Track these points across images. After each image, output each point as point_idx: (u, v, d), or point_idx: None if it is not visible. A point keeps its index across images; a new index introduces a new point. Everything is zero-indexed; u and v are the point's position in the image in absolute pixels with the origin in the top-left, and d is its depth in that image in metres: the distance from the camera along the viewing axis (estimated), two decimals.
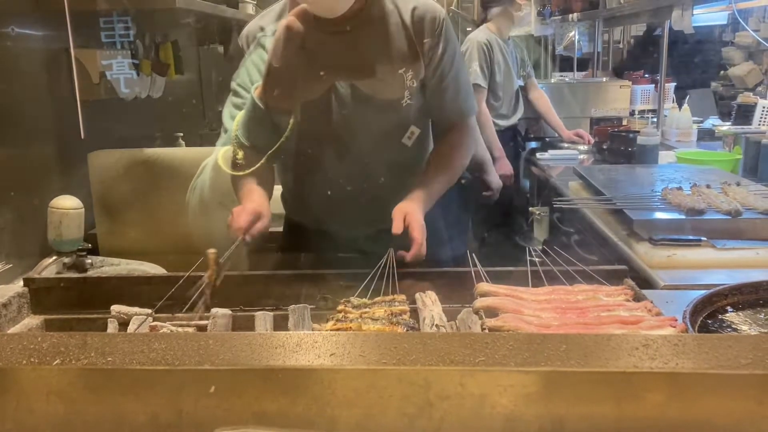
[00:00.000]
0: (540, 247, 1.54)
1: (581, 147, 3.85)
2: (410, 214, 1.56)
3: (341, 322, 1.16)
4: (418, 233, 1.52)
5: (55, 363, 0.83)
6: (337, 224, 1.81)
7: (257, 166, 1.62)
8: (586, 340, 0.83)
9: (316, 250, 1.77)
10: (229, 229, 1.50)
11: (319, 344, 0.84)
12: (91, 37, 2.39)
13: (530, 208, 3.61)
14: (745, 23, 3.03)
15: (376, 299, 1.30)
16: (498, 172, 3.70)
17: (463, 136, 1.79)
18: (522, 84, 4.05)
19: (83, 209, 1.92)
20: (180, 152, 2.49)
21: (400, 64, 1.64)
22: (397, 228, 1.54)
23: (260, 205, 1.55)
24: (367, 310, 1.23)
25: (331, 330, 1.12)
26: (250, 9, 3.46)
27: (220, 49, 3.93)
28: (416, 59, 1.65)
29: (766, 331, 1.24)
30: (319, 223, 1.83)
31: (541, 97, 4.16)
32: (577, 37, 5.68)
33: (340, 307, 1.25)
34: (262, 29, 1.68)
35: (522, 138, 4.32)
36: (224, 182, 2.07)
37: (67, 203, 1.88)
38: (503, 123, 3.85)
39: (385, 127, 1.71)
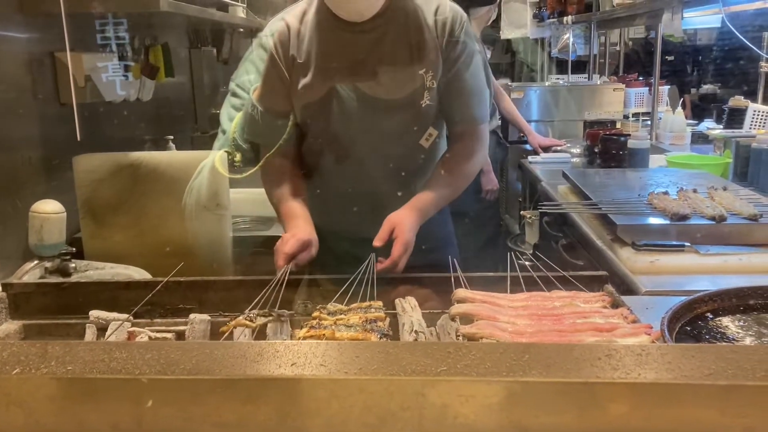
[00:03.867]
0: (530, 252, 1.53)
1: (574, 150, 3.84)
2: (399, 226, 1.55)
3: (315, 329, 1.16)
4: (399, 249, 1.51)
5: (14, 372, 0.82)
6: (348, 229, 1.79)
7: (254, 170, 1.62)
8: (548, 350, 0.82)
9: (324, 255, 1.74)
10: (275, 254, 1.51)
11: (280, 353, 0.83)
12: (77, 40, 2.38)
13: (522, 212, 3.61)
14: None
15: (353, 305, 1.29)
16: (484, 187, 3.71)
17: (474, 144, 1.75)
18: None
19: (65, 214, 1.92)
20: (166, 156, 2.49)
21: (420, 64, 1.63)
22: (380, 239, 1.53)
23: (310, 234, 1.57)
24: (342, 316, 1.22)
25: (304, 337, 1.12)
26: (240, 12, 3.46)
27: (213, 51, 3.93)
28: (437, 59, 1.64)
29: (746, 338, 1.23)
30: (331, 227, 1.79)
31: (505, 98, 4.14)
32: (571, 39, 5.68)
33: (315, 314, 1.24)
34: (288, 26, 1.64)
35: (502, 142, 4.33)
36: (213, 185, 2.07)
37: (48, 208, 1.87)
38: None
39: (404, 128, 1.70)
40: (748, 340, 1.22)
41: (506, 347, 0.83)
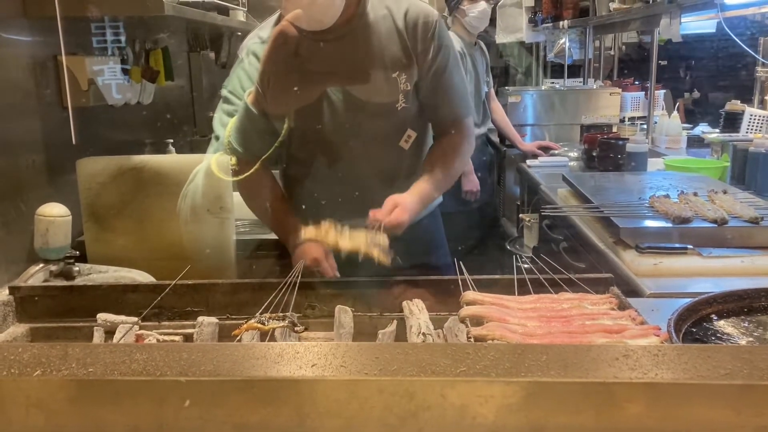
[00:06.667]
0: (529, 255, 1.54)
1: (571, 154, 3.86)
2: (402, 205, 1.56)
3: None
4: (399, 214, 1.53)
5: (35, 374, 0.83)
6: None
7: (251, 171, 1.63)
8: (566, 351, 0.83)
9: None
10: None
11: (300, 355, 0.84)
12: (80, 43, 2.38)
13: (520, 215, 3.62)
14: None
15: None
16: (464, 188, 3.71)
17: (460, 138, 1.78)
18: (486, 90, 4.02)
19: (70, 217, 1.91)
20: (169, 159, 2.49)
21: (393, 68, 1.65)
22: (383, 213, 1.53)
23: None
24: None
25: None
26: (241, 16, 3.46)
27: (212, 55, 3.93)
28: (410, 62, 1.66)
29: (750, 339, 1.24)
30: None
31: (498, 109, 4.15)
32: (567, 44, 5.70)
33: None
34: (261, 40, 1.68)
35: (493, 146, 4.33)
36: (216, 189, 2.08)
37: (54, 211, 1.87)
38: (476, 132, 3.84)
39: (382, 131, 1.72)
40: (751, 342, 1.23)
41: (524, 348, 0.84)
